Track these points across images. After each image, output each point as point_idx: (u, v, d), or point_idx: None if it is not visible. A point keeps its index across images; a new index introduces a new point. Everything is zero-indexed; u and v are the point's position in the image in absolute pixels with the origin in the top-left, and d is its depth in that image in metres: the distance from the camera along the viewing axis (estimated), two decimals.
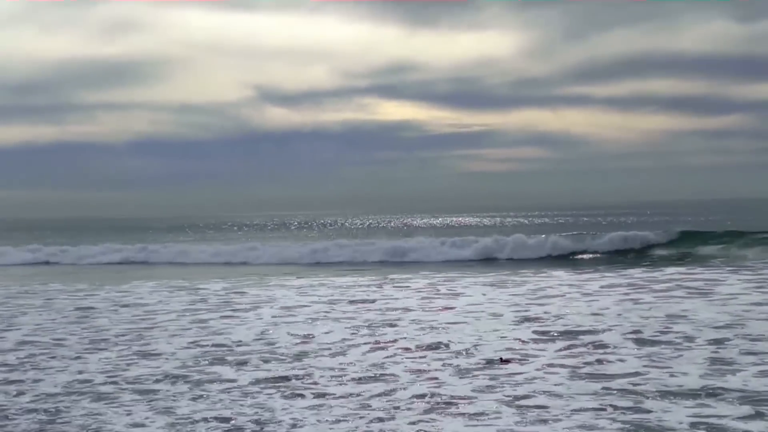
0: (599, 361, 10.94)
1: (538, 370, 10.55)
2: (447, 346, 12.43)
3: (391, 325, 14.58)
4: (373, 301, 18.25)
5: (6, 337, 14.63)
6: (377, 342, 12.97)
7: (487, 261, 31.36)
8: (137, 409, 9.24)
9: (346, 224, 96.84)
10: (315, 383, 10.23)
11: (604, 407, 8.66)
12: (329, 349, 12.50)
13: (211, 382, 10.49)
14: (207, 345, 13.21)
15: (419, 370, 10.76)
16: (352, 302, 18.24)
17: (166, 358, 12.15)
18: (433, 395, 9.41)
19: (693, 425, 7.96)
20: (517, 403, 8.98)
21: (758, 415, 8.18)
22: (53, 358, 12.53)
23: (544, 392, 9.37)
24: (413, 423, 8.36)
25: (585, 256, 31.21)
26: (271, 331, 14.37)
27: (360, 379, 10.40)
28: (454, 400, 9.17)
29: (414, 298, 18.71)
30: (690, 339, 12.31)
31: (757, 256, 26.86)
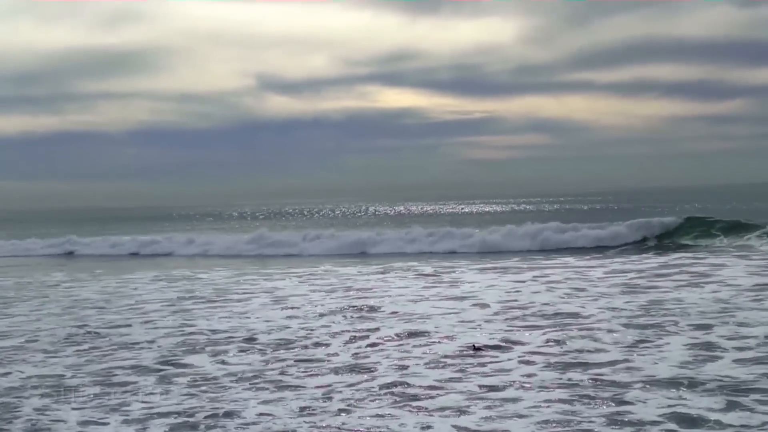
0: (579, 351, 10.67)
1: (516, 359, 10.31)
2: (428, 334, 12.22)
3: (375, 310, 14.36)
4: (370, 289, 18.02)
5: None
6: (360, 330, 12.74)
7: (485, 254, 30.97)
8: (93, 404, 8.97)
9: (370, 211, 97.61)
10: (284, 373, 10.02)
11: (577, 398, 8.41)
12: (312, 338, 12.28)
13: (181, 375, 10.26)
14: (186, 334, 13.02)
15: (399, 359, 10.55)
16: (347, 290, 18.02)
17: (141, 348, 11.95)
18: (400, 384, 9.19)
19: (668, 417, 7.71)
20: (488, 394, 8.74)
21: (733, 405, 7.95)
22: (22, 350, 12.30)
23: (516, 382, 9.15)
24: (380, 416, 8.14)
25: (585, 244, 30.83)
26: (256, 321, 14.20)
27: (336, 369, 10.17)
28: (422, 391, 8.94)
29: (413, 287, 18.32)
30: (676, 325, 12.08)
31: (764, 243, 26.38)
